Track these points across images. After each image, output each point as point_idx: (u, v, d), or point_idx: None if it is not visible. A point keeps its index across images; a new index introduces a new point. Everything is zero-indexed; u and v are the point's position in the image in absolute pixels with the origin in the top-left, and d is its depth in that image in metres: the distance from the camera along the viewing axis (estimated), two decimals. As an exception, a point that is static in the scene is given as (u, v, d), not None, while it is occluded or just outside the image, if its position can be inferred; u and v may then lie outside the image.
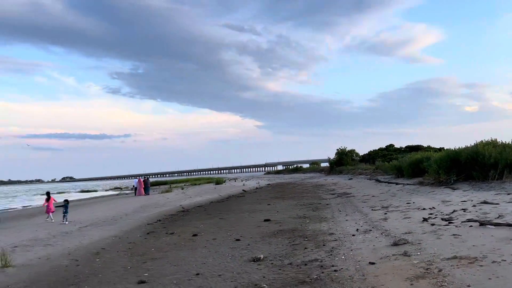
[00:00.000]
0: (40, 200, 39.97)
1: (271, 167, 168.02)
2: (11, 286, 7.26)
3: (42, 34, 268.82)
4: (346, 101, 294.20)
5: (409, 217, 10.95)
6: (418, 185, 20.02)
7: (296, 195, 24.61)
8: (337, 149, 59.36)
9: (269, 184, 45.28)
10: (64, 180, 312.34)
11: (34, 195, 60.70)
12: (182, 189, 39.94)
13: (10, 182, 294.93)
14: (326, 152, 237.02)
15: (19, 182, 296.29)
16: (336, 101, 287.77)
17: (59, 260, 9.28)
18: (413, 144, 52.88)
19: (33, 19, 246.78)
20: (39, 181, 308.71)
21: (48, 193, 18.49)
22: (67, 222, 16.06)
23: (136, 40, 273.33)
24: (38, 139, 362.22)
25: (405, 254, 7.00)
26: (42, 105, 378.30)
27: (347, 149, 59.19)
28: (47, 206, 17.46)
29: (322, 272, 6.60)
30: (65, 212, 16.57)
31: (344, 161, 55.58)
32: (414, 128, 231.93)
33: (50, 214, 17.33)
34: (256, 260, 7.86)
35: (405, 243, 7.81)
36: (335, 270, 6.62)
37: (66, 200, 17.60)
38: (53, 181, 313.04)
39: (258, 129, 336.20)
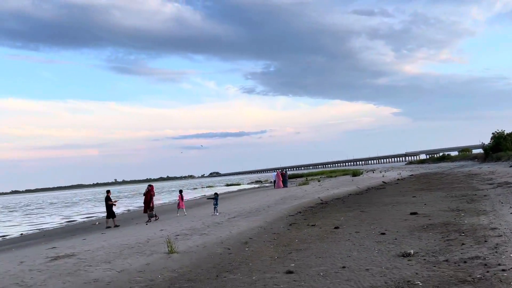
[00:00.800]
0: (191, 195, 45.84)
1: (412, 157, 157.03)
2: (177, 270, 8.23)
3: (185, 45, 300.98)
4: (500, 77, 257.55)
5: None
6: None
7: (445, 186, 22.50)
8: (493, 133, 52.78)
9: (412, 174, 42.38)
10: (211, 175, 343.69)
11: (187, 189, 69.24)
12: (319, 181, 40.08)
13: (168, 178, 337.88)
14: (478, 137, 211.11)
15: (175, 178, 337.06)
16: (487, 79, 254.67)
17: (213, 248, 10.18)
18: None
19: (177, 32, 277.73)
20: (191, 176, 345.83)
21: (180, 191, 21.04)
22: (217, 214, 17.55)
23: (266, 40, 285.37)
24: (188, 139, 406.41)
25: None
26: (189, 108, 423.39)
27: (505, 132, 51.90)
28: (178, 202, 19.72)
29: (487, 272, 5.85)
30: (216, 204, 18.13)
31: (502, 146, 48.85)
32: None
33: (180, 209, 19.29)
34: (406, 255, 7.38)
35: None
36: (503, 270, 5.81)
37: (216, 193, 19.29)
38: (202, 176, 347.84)
39: (395, 116, 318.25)
